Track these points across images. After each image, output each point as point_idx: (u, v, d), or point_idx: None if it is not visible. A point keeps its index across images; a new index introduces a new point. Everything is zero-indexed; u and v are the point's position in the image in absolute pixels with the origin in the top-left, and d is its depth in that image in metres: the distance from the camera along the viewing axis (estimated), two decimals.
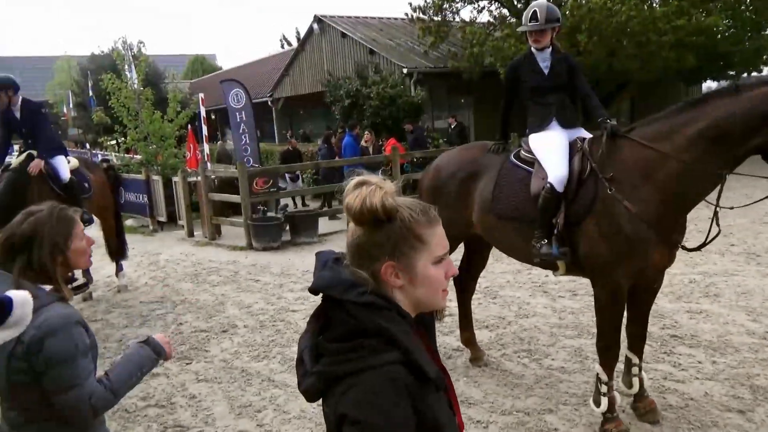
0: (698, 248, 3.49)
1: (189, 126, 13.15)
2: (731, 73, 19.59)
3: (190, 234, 11.19)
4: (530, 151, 3.85)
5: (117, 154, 17.24)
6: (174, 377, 4.78)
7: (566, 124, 3.83)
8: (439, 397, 1.27)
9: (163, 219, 12.18)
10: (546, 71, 3.86)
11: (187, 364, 5.05)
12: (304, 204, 13.62)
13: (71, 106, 34.59)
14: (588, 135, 3.81)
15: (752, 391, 3.89)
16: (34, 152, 6.24)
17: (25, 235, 1.88)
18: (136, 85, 14.07)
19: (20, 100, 6.23)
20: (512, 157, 3.98)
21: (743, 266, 6.72)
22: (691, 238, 3.63)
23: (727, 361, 4.35)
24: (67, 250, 1.93)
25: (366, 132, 12.63)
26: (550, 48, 3.89)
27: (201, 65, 54.27)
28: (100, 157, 19.13)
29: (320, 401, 1.30)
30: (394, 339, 1.20)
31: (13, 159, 6.60)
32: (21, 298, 1.64)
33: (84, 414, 1.82)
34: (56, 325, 1.80)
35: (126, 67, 14.75)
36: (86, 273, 7.19)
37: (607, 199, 3.34)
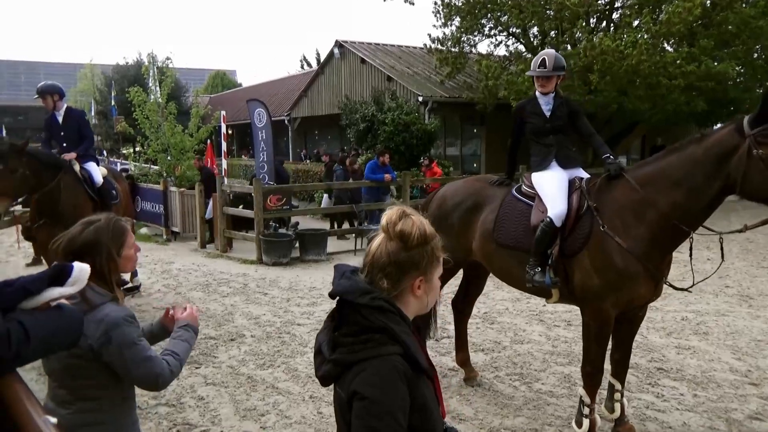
0: (687, 289, 3.76)
1: (209, 141, 13.61)
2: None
3: (203, 245, 11.55)
4: (531, 187, 4.16)
5: (136, 163, 17.73)
6: (184, 380, 5.06)
7: (565, 164, 4.12)
8: (428, 386, 1.57)
9: (177, 229, 12.55)
10: (547, 114, 4.19)
11: (197, 368, 5.33)
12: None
13: (93, 113, 35.48)
14: (586, 175, 4.12)
15: (728, 424, 4.11)
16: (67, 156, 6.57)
17: (88, 242, 2.17)
18: (160, 99, 14.60)
19: (65, 106, 6.78)
20: (514, 191, 4.29)
21: (735, 307, 6.93)
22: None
23: (708, 395, 4.58)
24: (119, 257, 2.23)
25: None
26: (554, 93, 4.22)
27: (221, 81, 55.46)
28: (119, 166, 19.69)
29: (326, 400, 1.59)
30: (396, 336, 1.51)
31: None
32: (79, 264, 1.93)
33: (166, 374, 2.17)
34: (116, 319, 2.13)
35: (151, 81, 15.33)
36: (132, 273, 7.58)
37: (601, 235, 3.63)
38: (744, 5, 14.27)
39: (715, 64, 13.97)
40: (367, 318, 1.51)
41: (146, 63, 17.33)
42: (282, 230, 10.87)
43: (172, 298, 7.72)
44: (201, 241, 11.60)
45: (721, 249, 3.46)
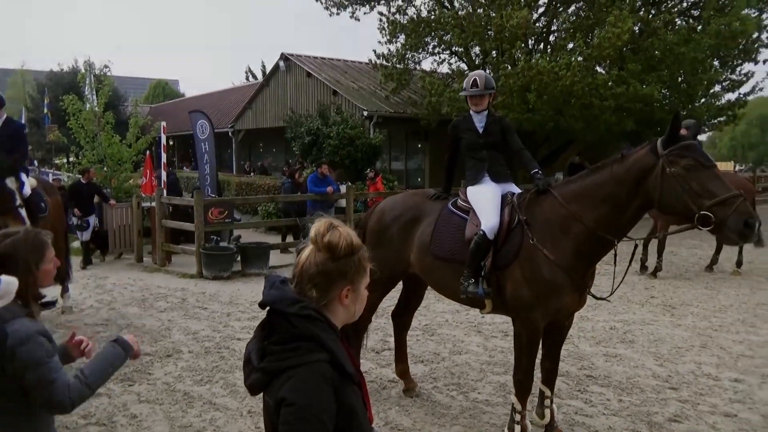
0: (605, 298, 3.98)
1: (147, 152, 13.26)
2: None
3: (140, 260, 11.21)
4: (467, 201, 4.31)
5: (70, 174, 17.04)
6: (116, 398, 4.90)
7: (497, 179, 4.32)
8: (355, 391, 1.62)
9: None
10: (480, 130, 4.38)
11: (130, 385, 5.16)
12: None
13: (24, 121, 33.84)
14: (517, 190, 4.31)
15: (649, 426, 4.36)
16: None
17: (3, 254, 2.12)
18: (96, 108, 14.13)
19: (4, 116, 6.48)
20: (450, 205, 4.43)
21: (659, 316, 7.34)
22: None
23: (632, 400, 4.83)
24: (37, 270, 2.18)
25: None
26: (486, 111, 4.42)
27: (162, 90, 54.11)
28: (51, 177, 18.85)
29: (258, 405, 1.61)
30: (324, 343, 1.55)
31: None
32: (7, 278, 1.90)
33: (66, 404, 2.09)
34: (23, 336, 2.05)
35: (88, 89, 14.81)
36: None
37: (530, 248, 3.80)
38: (668, 33, 15.25)
39: (643, 86, 14.82)
40: (296, 326, 1.56)
41: (82, 70, 16.74)
42: (223, 243, 10.70)
43: (106, 314, 7.46)
44: (137, 255, 11.25)
45: (632, 254, 3.71)
